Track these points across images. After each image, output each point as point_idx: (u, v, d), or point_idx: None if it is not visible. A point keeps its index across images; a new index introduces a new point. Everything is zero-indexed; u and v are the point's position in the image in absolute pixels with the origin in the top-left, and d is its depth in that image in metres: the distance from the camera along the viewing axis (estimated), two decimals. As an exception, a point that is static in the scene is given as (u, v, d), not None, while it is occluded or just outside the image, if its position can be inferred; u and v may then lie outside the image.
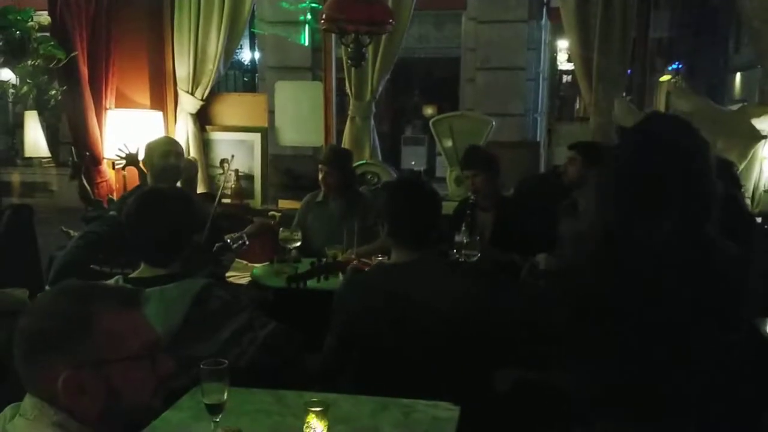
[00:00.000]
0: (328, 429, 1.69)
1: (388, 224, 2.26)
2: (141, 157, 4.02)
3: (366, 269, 2.72)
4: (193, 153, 4.74)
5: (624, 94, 4.61)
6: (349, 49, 3.61)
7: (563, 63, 12.29)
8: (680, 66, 14.79)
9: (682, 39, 15.37)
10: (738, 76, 14.98)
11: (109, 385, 1.15)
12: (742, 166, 4.06)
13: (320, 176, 3.87)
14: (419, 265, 2.22)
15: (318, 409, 1.67)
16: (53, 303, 1.20)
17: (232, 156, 4.42)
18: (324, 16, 3.60)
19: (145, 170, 3.61)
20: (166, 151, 3.53)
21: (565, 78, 13.20)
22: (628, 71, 4.52)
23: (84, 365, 1.13)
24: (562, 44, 11.59)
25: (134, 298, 1.26)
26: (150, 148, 3.56)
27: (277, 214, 4.57)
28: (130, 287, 2.04)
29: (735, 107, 4.90)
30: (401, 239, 2.27)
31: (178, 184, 3.54)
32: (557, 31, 10.43)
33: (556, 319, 2.40)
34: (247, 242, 3.25)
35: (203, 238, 3.04)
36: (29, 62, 4.14)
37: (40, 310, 1.19)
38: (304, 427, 1.68)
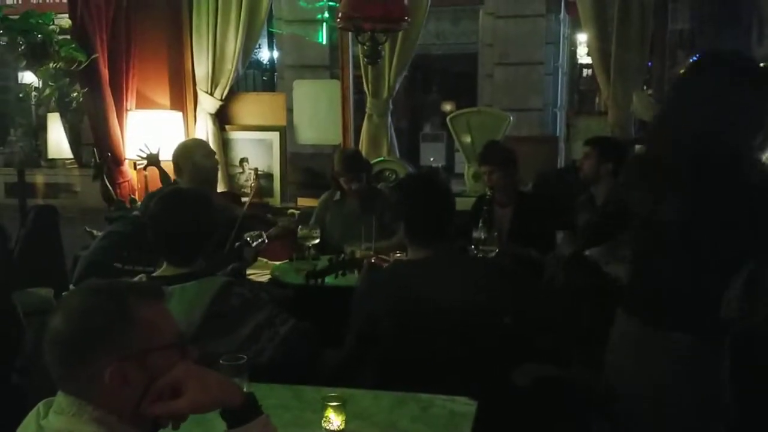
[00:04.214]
0: (346, 423, 1.71)
1: (403, 222, 2.27)
2: (162, 157, 4.07)
3: (383, 266, 2.73)
4: (212, 152, 4.78)
5: (645, 87, 4.57)
6: (365, 47, 3.63)
7: (583, 57, 12.18)
8: (702, 58, 14.61)
9: (703, 30, 15.18)
10: (761, 67, 14.79)
11: (149, 374, 1.19)
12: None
13: (347, 187, 3.87)
14: (434, 262, 2.23)
15: (336, 403, 1.69)
16: (88, 302, 1.22)
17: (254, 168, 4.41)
18: (340, 15, 3.62)
19: (173, 171, 3.57)
20: (209, 152, 3.54)
21: (585, 72, 13.08)
22: (648, 64, 4.47)
23: (128, 357, 1.17)
24: (582, 38, 11.50)
25: (160, 291, 1.32)
26: (188, 150, 3.50)
27: (297, 212, 4.60)
28: (153, 282, 2.09)
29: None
30: (415, 236, 2.27)
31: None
32: (576, 24, 10.36)
33: (571, 315, 2.40)
34: (267, 240, 3.29)
35: (232, 239, 3.09)
36: (51, 65, 4.20)
37: (75, 310, 1.21)
38: (322, 421, 1.70)
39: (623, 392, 1.99)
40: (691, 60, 2.02)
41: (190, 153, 3.47)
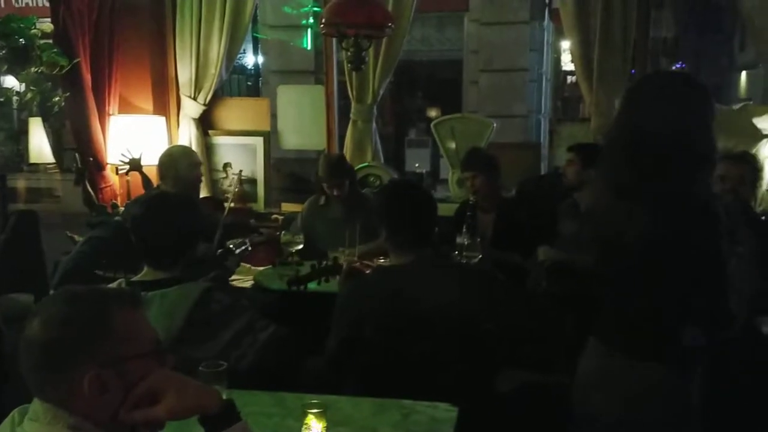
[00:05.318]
0: (327, 430, 1.70)
1: (384, 227, 2.28)
2: (144, 162, 4.05)
3: (366, 271, 2.72)
4: (195, 158, 4.76)
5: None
6: (349, 53, 3.63)
7: (567, 64, 12.27)
8: (684, 65, 14.76)
9: (686, 38, 15.33)
10: (743, 74, 14.94)
11: (126, 381, 1.18)
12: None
13: (331, 192, 3.86)
14: (416, 267, 2.24)
15: (316, 410, 1.69)
16: (67, 309, 1.20)
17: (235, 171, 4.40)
18: (323, 20, 3.62)
19: (157, 175, 3.56)
20: (194, 162, 3.52)
21: (570, 79, 13.18)
22: (632, 71, 4.50)
23: (107, 364, 1.17)
24: (565, 45, 11.58)
25: (138, 299, 1.32)
26: (173, 158, 3.49)
27: (281, 217, 4.59)
28: (130, 289, 2.07)
29: (737, 106, 4.89)
30: (397, 242, 2.28)
31: None
32: (560, 32, 10.42)
33: (554, 322, 2.41)
34: (250, 247, 3.27)
35: (216, 246, 3.08)
36: (33, 69, 4.17)
37: (52, 318, 1.19)
38: (303, 428, 1.69)
39: (592, 415, 1.92)
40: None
41: (174, 162, 3.47)
